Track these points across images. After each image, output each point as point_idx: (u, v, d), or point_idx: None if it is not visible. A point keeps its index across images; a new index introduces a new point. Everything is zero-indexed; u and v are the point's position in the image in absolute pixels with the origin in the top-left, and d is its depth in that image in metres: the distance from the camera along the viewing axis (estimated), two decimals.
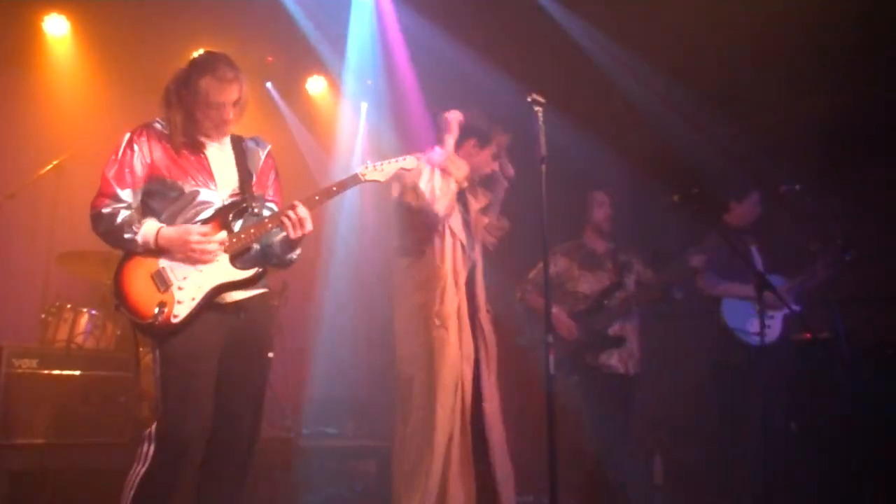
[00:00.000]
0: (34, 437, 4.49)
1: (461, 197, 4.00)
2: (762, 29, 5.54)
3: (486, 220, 4.13)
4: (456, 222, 3.93)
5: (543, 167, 3.39)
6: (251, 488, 3.11)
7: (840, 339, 4.64)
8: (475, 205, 4.11)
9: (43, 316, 5.23)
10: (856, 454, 4.60)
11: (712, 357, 5.00)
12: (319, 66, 7.29)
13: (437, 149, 3.94)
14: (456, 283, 3.82)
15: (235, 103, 3.05)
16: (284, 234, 3.06)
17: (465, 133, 3.98)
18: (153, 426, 2.86)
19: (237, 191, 3.10)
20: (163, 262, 2.93)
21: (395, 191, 3.89)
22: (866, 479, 4.56)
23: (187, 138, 3.06)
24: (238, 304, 3.02)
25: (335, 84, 7.53)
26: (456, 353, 3.74)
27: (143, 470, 2.81)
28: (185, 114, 3.04)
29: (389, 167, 3.31)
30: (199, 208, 3.02)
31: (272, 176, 3.28)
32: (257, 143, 3.28)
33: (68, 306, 5.20)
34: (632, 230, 5.87)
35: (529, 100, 3.42)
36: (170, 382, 2.89)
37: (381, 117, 7.43)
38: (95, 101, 6.71)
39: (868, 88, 5.72)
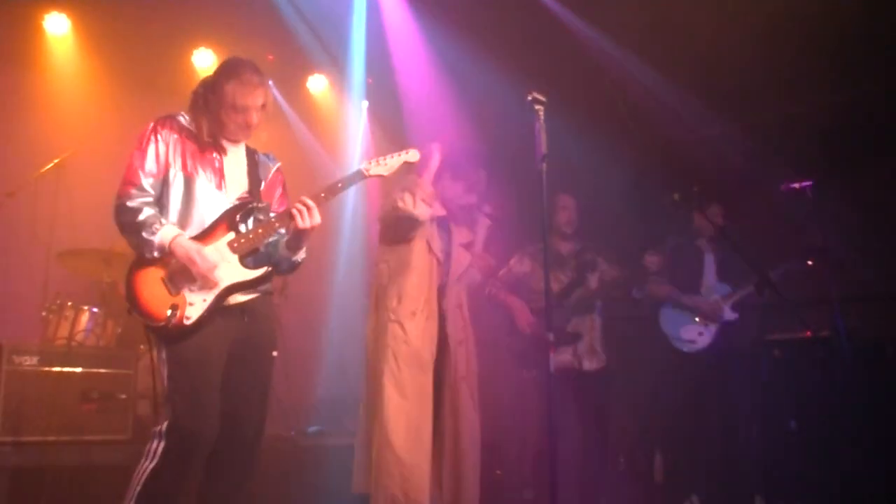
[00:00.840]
0: (35, 434, 4.49)
1: (444, 225, 4.23)
2: (763, 27, 5.53)
3: (468, 255, 4.31)
4: (436, 243, 4.14)
5: (544, 166, 3.39)
6: (252, 486, 3.12)
7: (840, 337, 4.65)
8: (458, 238, 4.28)
9: (44, 313, 5.24)
10: (856, 453, 4.60)
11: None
12: (320, 64, 7.30)
13: (417, 178, 4.09)
14: (427, 297, 4.00)
15: (261, 108, 3.12)
16: (292, 233, 3.11)
17: (443, 165, 4.15)
18: (163, 424, 2.87)
19: (246, 195, 3.16)
20: (172, 268, 2.96)
21: (381, 210, 4.12)
22: (867, 477, 4.56)
23: (211, 140, 3.12)
24: (242, 306, 3.06)
25: (336, 83, 7.54)
26: (416, 356, 3.90)
27: (152, 466, 2.82)
28: (210, 117, 3.12)
29: (393, 161, 3.34)
30: (207, 208, 3.06)
31: (280, 190, 3.34)
32: (269, 158, 3.35)
33: (69, 304, 5.21)
34: (632, 229, 5.89)
35: (530, 98, 3.42)
36: (179, 381, 2.91)
37: (382, 116, 7.45)
38: (96, 100, 6.72)
39: (870, 87, 5.71)
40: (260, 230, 3.07)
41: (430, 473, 3.85)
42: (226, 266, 3.00)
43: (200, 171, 3.07)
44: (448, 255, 4.23)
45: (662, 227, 5.61)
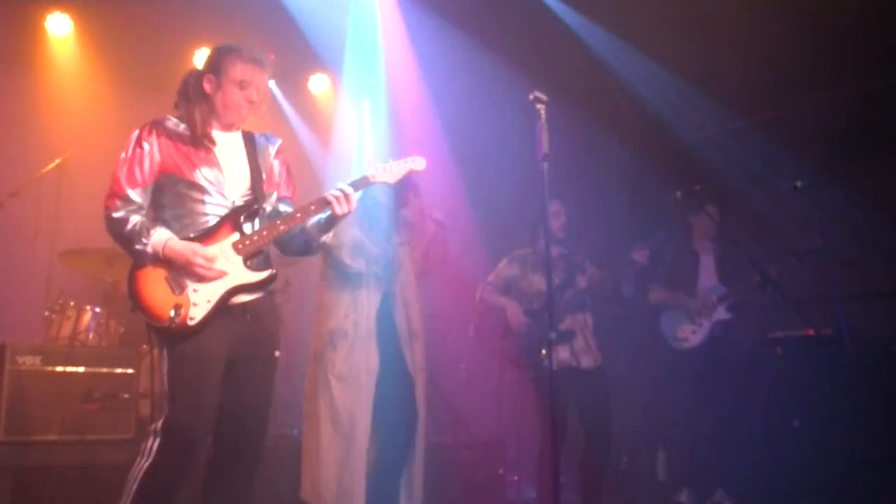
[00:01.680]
0: (38, 434, 4.50)
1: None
2: (765, 24, 5.53)
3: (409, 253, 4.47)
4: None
5: (545, 165, 3.38)
6: (255, 485, 3.12)
7: (843, 335, 4.65)
8: (396, 239, 4.41)
9: (46, 313, 5.25)
10: (858, 451, 4.60)
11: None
12: (322, 64, 7.30)
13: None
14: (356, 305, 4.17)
15: (257, 98, 3.09)
16: (327, 213, 3.11)
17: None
18: (159, 422, 2.87)
19: (248, 191, 3.10)
20: (176, 266, 2.93)
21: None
22: (869, 476, 4.55)
23: (205, 134, 3.06)
24: (244, 306, 3.03)
25: (337, 82, 7.54)
26: (344, 365, 4.08)
27: (148, 464, 2.82)
28: (206, 105, 3.07)
29: (398, 168, 3.32)
30: (210, 209, 3.02)
31: (284, 172, 3.28)
32: (268, 139, 3.27)
33: (71, 303, 5.22)
34: (633, 228, 5.88)
35: (532, 97, 3.41)
36: (178, 381, 2.90)
37: (383, 115, 7.43)
38: (97, 100, 6.73)
39: (874, 84, 5.71)
40: (265, 232, 3.04)
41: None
42: (230, 267, 2.98)
43: (197, 171, 3.01)
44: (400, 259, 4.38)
45: (663, 226, 5.61)
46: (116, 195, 2.96)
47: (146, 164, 2.99)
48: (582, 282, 4.88)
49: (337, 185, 3.11)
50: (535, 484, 5.14)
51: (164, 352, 2.93)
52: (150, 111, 3.12)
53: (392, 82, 6.90)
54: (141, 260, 2.93)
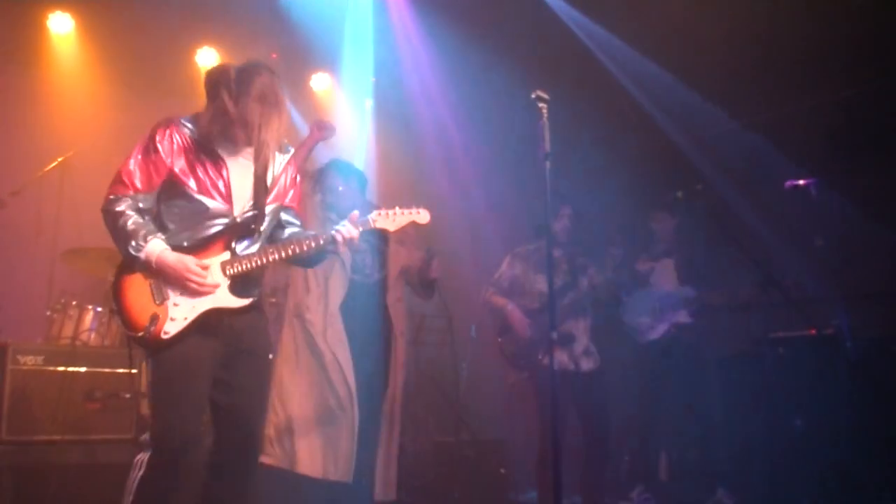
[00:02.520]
0: (39, 433, 4.50)
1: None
2: (766, 24, 5.53)
3: (403, 253, 4.53)
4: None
5: (547, 164, 3.38)
6: (256, 484, 3.12)
7: (845, 335, 4.64)
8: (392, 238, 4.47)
9: (48, 313, 5.25)
10: (860, 451, 4.59)
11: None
12: (323, 62, 7.29)
13: None
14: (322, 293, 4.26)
15: (275, 125, 2.98)
16: (314, 249, 3.06)
17: None
18: (148, 434, 2.89)
19: (251, 205, 3.05)
20: (163, 274, 2.90)
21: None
22: (871, 474, 4.55)
23: (214, 143, 2.99)
24: (231, 322, 2.98)
25: (339, 81, 7.53)
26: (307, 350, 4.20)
27: (140, 475, 2.84)
28: (223, 117, 2.93)
29: (401, 218, 3.26)
30: (209, 221, 2.98)
31: (291, 182, 3.22)
32: (280, 148, 3.18)
33: (73, 303, 5.22)
34: (634, 227, 5.88)
35: (533, 96, 3.41)
36: (161, 390, 2.88)
37: (385, 114, 7.44)
38: (99, 99, 6.73)
39: (874, 83, 5.70)
40: (255, 258, 2.98)
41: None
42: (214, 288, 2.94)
43: (203, 181, 2.96)
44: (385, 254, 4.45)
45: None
46: (123, 191, 2.93)
47: (157, 169, 2.94)
48: (583, 284, 4.88)
49: (346, 225, 3.07)
50: (536, 484, 5.13)
51: (150, 362, 2.92)
52: (151, 110, 3.10)
53: (392, 81, 6.90)
54: (130, 264, 2.90)
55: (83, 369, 4.75)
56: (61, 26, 6.52)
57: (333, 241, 3.06)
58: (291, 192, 3.23)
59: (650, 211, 5.56)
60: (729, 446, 5.03)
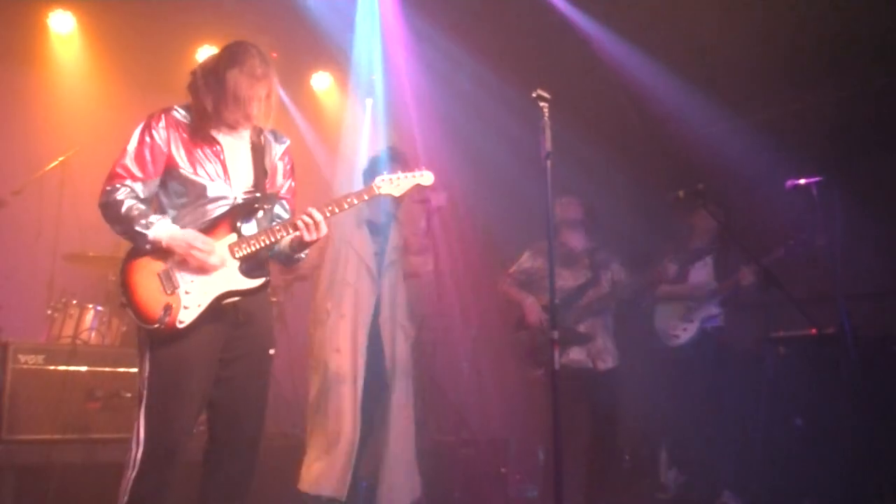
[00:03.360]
0: (40, 433, 4.50)
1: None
2: (768, 22, 5.52)
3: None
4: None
5: (548, 163, 3.38)
6: (257, 486, 3.11)
7: (846, 334, 4.63)
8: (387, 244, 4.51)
9: (49, 312, 5.26)
10: (861, 450, 4.59)
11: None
12: (324, 62, 7.29)
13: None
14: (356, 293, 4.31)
15: (264, 98, 3.01)
16: (295, 234, 3.04)
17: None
18: (140, 431, 2.85)
19: (251, 189, 3.06)
20: (170, 263, 2.90)
21: None
22: (872, 474, 4.54)
23: (209, 128, 3.01)
24: (236, 305, 2.99)
25: (340, 80, 7.53)
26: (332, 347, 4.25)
27: (134, 475, 2.81)
28: (211, 103, 2.98)
29: (405, 182, 3.26)
30: (211, 205, 2.99)
31: (288, 174, 3.24)
32: (276, 138, 3.23)
33: (74, 302, 5.22)
34: (635, 226, 5.88)
35: (534, 95, 3.41)
36: (156, 386, 2.87)
37: (386, 114, 7.42)
38: (100, 98, 6.73)
39: (876, 81, 5.69)
40: (262, 237, 2.99)
41: None
42: (224, 271, 2.94)
43: (201, 165, 2.98)
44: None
45: (665, 225, 5.60)
46: (119, 181, 2.92)
47: (154, 156, 2.95)
48: (605, 283, 4.86)
49: (308, 209, 3.03)
50: (538, 483, 5.13)
51: (147, 356, 2.90)
52: (152, 109, 3.08)
53: (393, 81, 6.89)
54: (137, 255, 2.90)
55: (84, 368, 4.75)
56: (62, 25, 6.51)
57: (296, 228, 3.02)
58: (287, 184, 3.24)
59: (692, 208, 5.32)
60: (730, 446, 5.02)
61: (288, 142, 3.28)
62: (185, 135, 3.00)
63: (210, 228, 2.97)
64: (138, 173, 2.95)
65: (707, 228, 5.25)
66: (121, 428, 4.72)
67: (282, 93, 7.34)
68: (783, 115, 6.16)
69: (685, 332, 5.19)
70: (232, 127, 3.06)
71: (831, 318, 4.80)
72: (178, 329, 2.85)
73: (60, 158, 5.78)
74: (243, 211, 3.02)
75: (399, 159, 4.35)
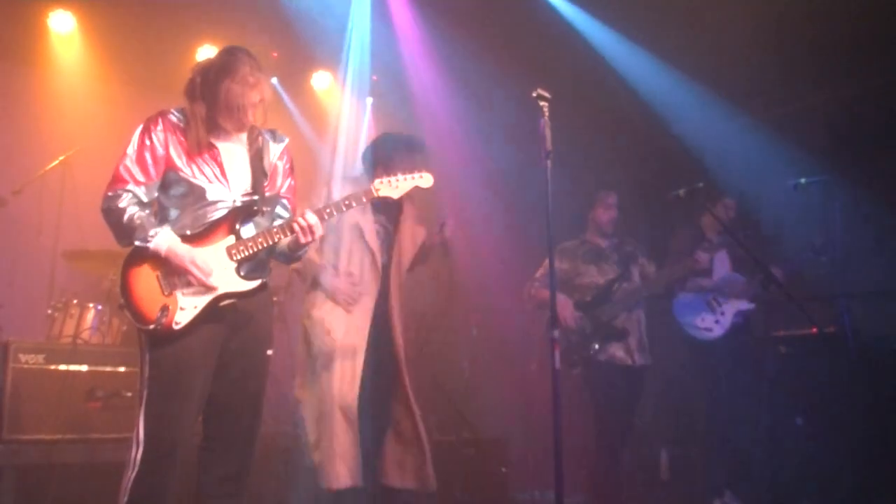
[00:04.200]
0: (41, 432, 4.50)
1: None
2: (773, 22, 5.52)
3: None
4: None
5: (549, 162, 3.38)
6: (258, 484, 3.11)
7: (846, 333, 4.63)
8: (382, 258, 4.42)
9: (49, 311, 5.25)
10: (862, 449, 4.59)
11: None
12: (324, 61, 7.28)
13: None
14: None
15: (258, 104, 3.03)
16: (292, 240, 3.06)
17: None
18: (140, 431, 2.85)
19: (250, 191, 3.07)
20: (169, 265, 2.91)
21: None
22: (872, 473, 4.54)
23: (206, 133, 3.02)
24: (234, 306, 3.00)
25: (341, 80, 7.52)
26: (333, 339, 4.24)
27: (134, 475, 2.81)
28: (205, 111, 3.01)
29: (404, 184, 3.25)
30: (209, 207, 2.99)
31: (287, 173, 3.24)
32: (274, 137, 3.23)
33: (74, 302, 5.22)
34: (635, 226, 5.87)
35: (535, 95, 3.40)
36: (156, 386, 2.88)
37: (387, 114, 7.42)
38: (100, 98, 6.73)
39: (881, 80, 5.69)
40: (260, 239, 2.99)
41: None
42: (222, 273, 2.95)
43: (199, 168, 2.99)
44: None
45: (665, 225, 5.60)
46: (122, 185, 2.93)
47: (155, 159, 2.96)
48: (635, 275, 4.88)
49: (304, 212, 3.03)
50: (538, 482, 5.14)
51: (147, 356, 2.91)
52: (152, 109, 3.09)
53: (396, 80, 6.89)
54: (138, 256, 2.91)
55: (84, 368, 4.75)
56: (62, 25, 6.50)
57: (293, 231, 3.02)
58: (287, 183, 3.24)
59: (698, 211, 5.27)
60: (731, 446, 5.02)
61: (286, 140, 3.28)
62: (182, 138, 3.01)
63: (209, 231, 2.98)
64: (140, 177, 2.96)
65: (715, 226, 5.21)
66: (121, 428, 4.72)
67: (282, 93, 7.35)
68: (786, 114, 6.16)
69: (718, 325, 5.05)
70: (228, 132, 3.08)
71: (831, 318, 4.82)
72: (174, 330, 2.86)
73: (61, 158, 5.78)
74: (242, 213, 3.03)
75: (418, 150, 4.30)
